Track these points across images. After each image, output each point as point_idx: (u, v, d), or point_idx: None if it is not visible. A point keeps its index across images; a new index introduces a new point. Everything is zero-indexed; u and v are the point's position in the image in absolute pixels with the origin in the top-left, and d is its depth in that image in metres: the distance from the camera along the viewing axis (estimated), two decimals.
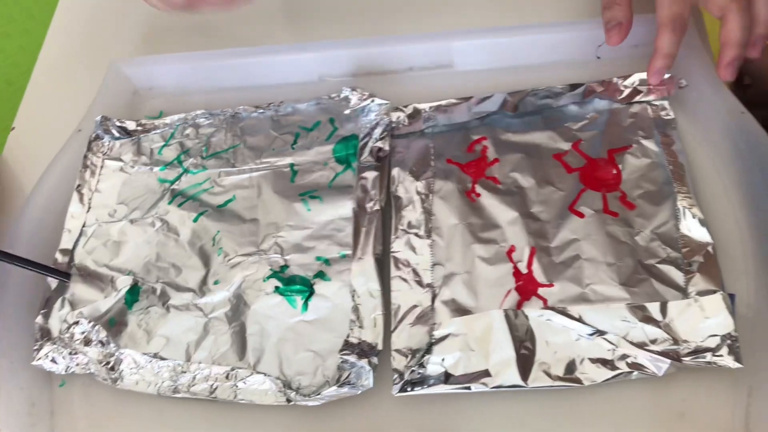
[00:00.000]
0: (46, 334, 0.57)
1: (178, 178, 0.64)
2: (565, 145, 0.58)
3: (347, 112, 0.63)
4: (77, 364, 0.55)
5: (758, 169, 0.53)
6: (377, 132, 0.61)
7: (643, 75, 0.58)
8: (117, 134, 0.67)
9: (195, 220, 0.61)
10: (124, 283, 0.58)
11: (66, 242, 0.62)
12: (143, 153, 0.66)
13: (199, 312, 0.56)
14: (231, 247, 0.59)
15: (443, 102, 0.61)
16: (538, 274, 0.52)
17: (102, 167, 0.66)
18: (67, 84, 0.75)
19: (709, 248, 0.50)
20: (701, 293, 0.49)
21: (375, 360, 0.50)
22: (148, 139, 0.67)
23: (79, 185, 0.64)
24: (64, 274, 0.59)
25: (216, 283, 0.57)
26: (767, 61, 0.76)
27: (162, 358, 0.54)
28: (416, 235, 0.56)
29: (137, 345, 0.56)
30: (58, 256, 0.61)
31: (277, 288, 0.56)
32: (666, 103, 0.58)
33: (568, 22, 0.64)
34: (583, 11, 0.67)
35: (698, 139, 0.58)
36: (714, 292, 0.49)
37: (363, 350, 0.51)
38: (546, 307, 0.51)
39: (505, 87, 0.61)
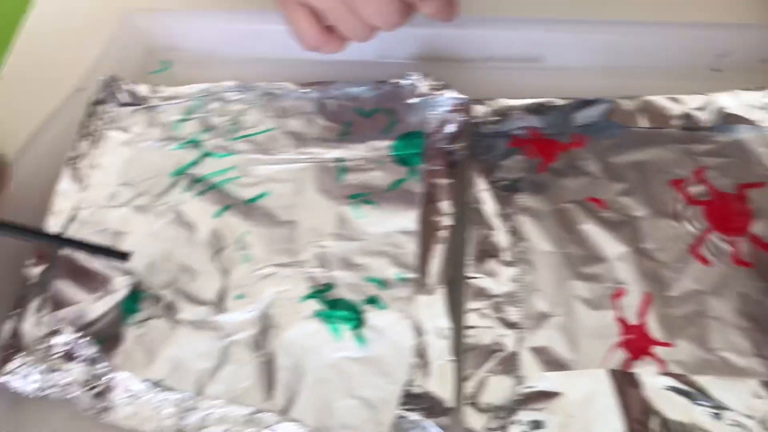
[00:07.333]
0: (15, 343, 0.45)
1: (199, 160, 0.52)
2: (685, 171, 0.47)
3: (413, 101, 0.52)
4: (53, 386, 0.43)
5: None
6: (450, 129, 0.50)
7: None
8: (125, 100, 0.55)
9: (217, 215, 0.49)
10: (121, 285, 0.47)
11: (52, 226, 0.49)
12: (156, 125, 0.54)
13: (216, 332, 0.45)
14: (261, 253, 0.47)
15: (539, 101, 0.50)
16: (654, 328, 0.42)
17: (103, 138, 0.54)
18: (69, 33, 0.62)
19: None
20: None
21: (446, 420, 0.39)
22: (163, 109, 0.55)
23: (72, 157, 0.52)
24: (120, 255, 0.47)
25: (239, 297, 0.46)
26: None
27: (167, 388, 0.42)
28: (499, 260, 0.45)
29: (134, 367, 0.44)
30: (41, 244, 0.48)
31: (317, 312, 0.45)
32: None
33: (685, 24, 0.53)
34: (705, 11, 0.56)
35: None
36: None
37: (429, 406, 0.40)
38: (665, 372, 0.40)
39: (604, 91, 0.51)
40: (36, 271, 0.47)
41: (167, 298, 0.46)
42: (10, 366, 0.43)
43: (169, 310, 0.46)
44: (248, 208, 0.49)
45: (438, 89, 0.51)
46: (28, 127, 0.53)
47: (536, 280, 0.44)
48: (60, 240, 0.48)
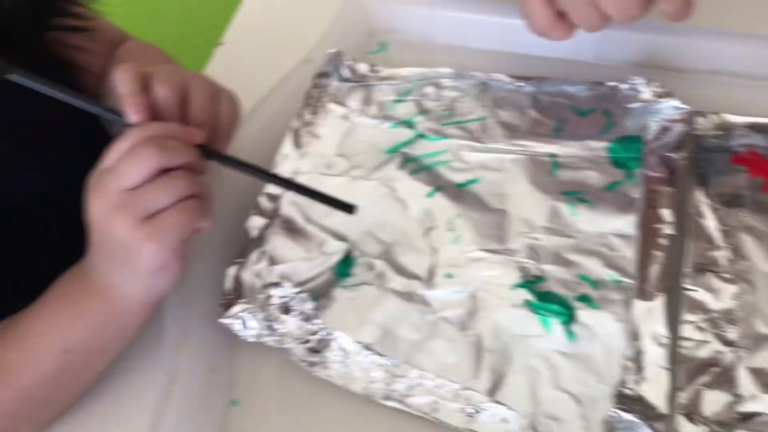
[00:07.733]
0: (238, 290, 0.48)
1: (412, 141, 0.54)
2: None
3: (634, 106, 0.52)
4: (270, 334, 0.46)
5: None
6: (670, 138, 0.50)
7: None
8: (346, 75, 0.58)
9: (429, 195, 0.51)
10: (335, 249, 0.49)
11: (274, 187, 0.52)
12: (372, 103, 0.57)
13: (425, 306, 0.46)
14: (470, 237, 0.48)
15: (766, 120, 0.49)
16: None
17: (324, 110, 0.56)
18: (291, 4, 0.66)
19: None
20: None
21: (661, 426, 0.39)
22: (380, 89, 0.57)
23: (295, 124, 0.55)
24: (347, 206, 0.46)
25: (449, 276, 0.47)
26: None
27: (377, 353, 0.44)
28: (718, 275, 0.44)
29: (346, 328, 0.46)
30: (263, 201, 0.52)
31: (528, 302, 0.45)
32: None
33: None
34: None
35: None
36: None
37: (641, 409, 0.40)
38: None
39: None
40: (258, 225, 0.50)
41: (379, 266, 0.48)
42: (233, 311, 0.47)
43: (381, 278, 0.48)
44: (459, 192, 0.51)
45: (661, 96, 0.51)
46: (246, 90, 0.56)
47: (757, 301, 0.43)
48: (290, 184, 0.48)
